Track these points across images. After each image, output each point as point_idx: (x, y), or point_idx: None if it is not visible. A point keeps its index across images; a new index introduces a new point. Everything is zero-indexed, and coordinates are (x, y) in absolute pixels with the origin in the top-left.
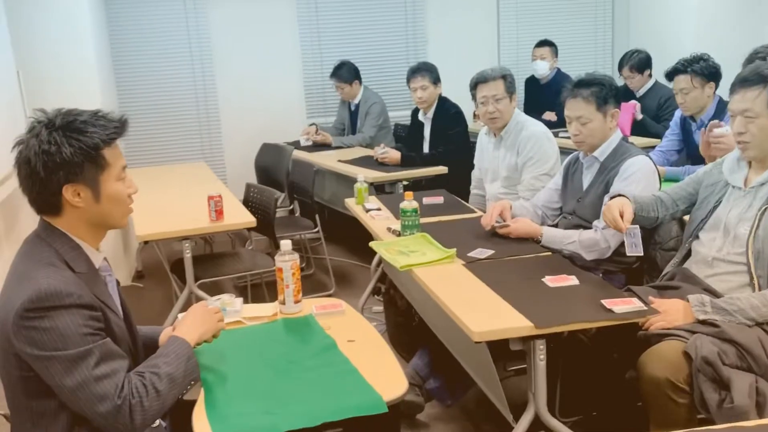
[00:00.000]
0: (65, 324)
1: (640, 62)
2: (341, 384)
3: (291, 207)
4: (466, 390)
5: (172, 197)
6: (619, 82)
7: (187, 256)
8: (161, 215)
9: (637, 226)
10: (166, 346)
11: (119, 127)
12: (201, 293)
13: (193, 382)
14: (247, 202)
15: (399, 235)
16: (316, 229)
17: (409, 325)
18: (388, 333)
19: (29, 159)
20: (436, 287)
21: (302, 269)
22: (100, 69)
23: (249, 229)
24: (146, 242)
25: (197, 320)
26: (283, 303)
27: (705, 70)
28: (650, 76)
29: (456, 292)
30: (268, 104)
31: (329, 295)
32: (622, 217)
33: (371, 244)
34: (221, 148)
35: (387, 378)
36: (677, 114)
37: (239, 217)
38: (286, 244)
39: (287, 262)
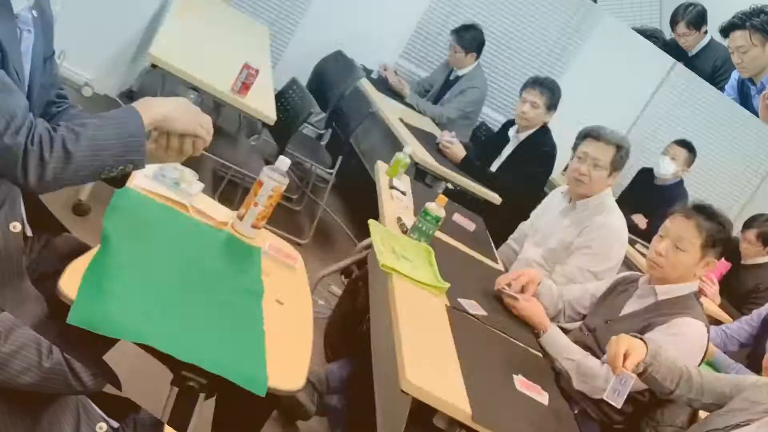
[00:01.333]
0: None
1: (698, 17)
2: (238, 340)
3: (322, 132)
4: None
5: (213, 39)
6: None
7: None
8: (188, 48)
9: (634, 376)
10: (114, 111)
11: None
12: None
13: (131, 167)
14: (280, 97)
15: (406, 232)
16: (331, 171)
17: (352, 328)
18: (328, 323)
19: None
20: (403, 309)
21: (290, 200)
22: None
23: (264, 125)
24: (154, 66)
25: (169, 101)
26: (240, 219)
27: (766, 24)
28: (706, 32)
29: (419, 327)
30: (369, 16)
31: (298, 244)
32: (625, 358)
33: (371, 222)
34: (294, 27)
35: (289, 365)
36: (734, 76)
37: (262, 104)
38: (283, 162)
39: (272, 180)
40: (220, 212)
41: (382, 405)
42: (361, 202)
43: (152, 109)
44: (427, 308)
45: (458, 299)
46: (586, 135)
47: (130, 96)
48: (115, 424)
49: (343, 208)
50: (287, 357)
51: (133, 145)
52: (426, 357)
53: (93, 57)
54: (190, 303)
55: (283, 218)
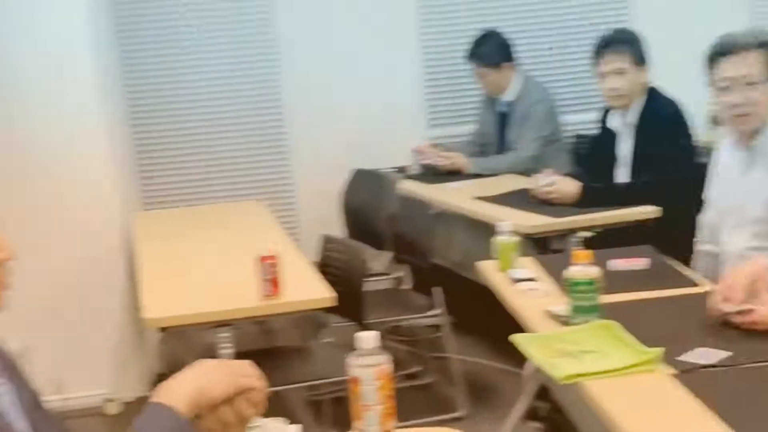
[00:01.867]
0: None
1: None
2: None
3: (399, 275)
4: None
5: (206, 257)
6: None
7: (227, 352)
8: (187, 287)
9: None
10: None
11: None
12: None
13: None
14: (324, 266)
15: (567, 323)
16: (437, 311)
17: None
18: None
19: None
20: (622, 415)
21: (416, 375)
22: (102, 75)
23: (326, 310)
24: (164, 329)
25: (189, 373)
26: None
27: None
28: None
29: (657, 424)
30: (362, 110)
31: (457, 419)
32: None
33: (514, 338)
34: (290, 178)
35: None
36: None
37: (308, 290)
38: (366, 338)
39: (368, 367)
40: None
41: None
42: (497, 324)
43: (176, 392)
44: (651, 394)
45: (679, 358)
46: (716, 54)
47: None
48: None
49: (480, 344)
50: None
51: None
52: None
53: (87, 364)
54: None
55: (422, 402)
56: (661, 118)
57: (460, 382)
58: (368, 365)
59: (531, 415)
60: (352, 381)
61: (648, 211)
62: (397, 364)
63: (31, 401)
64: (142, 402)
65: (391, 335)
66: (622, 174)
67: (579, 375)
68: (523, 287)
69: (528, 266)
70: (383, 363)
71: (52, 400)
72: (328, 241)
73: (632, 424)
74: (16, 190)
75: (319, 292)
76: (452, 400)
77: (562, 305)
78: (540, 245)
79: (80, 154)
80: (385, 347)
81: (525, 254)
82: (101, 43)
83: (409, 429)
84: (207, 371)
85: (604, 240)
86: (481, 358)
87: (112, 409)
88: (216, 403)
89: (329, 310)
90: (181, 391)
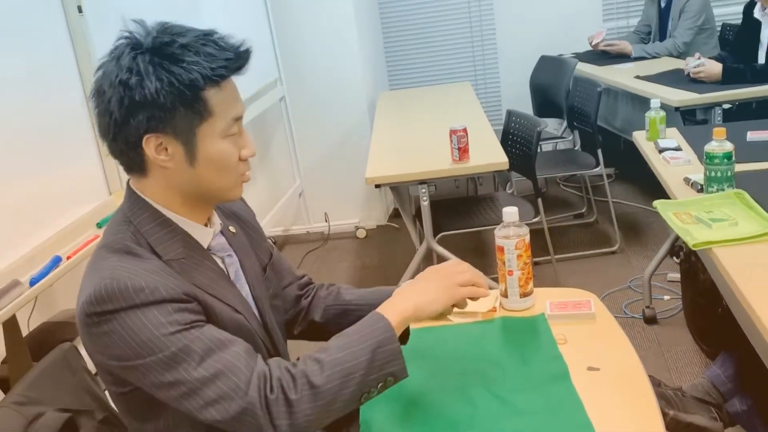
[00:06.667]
0: (139, 326)
1: None
2: None
3: (571, 138)
4: None
5: (418, 129)
6: None
7: (424, 204)
8: (399, 153)
9: None
10: (356, 325)
11: (233, 59)
12: (441, 249)
13: (391, 380)
14: (507, 135)
15: (701, 190)
16: (597, 168)
17: (712, 311)
18: (685, 313)
19: (103, 90)
20: (744, 280)
21: (583, 215)
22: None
23: (508, 169)
24: (378, 186)
25: (420, 286)
26: (504, 295)
27: None
28: None
29: None
30: (553, 7)
31: (613, 253)
32: None
33: (656, 203)
34: (495, 65)
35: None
36: None
37: (488, 156)
38: (509, 213)
39: (510, 239)
40: (480, 301)
41: None
42: (652, 177)
43: (398, 305)
44: None
45: None
46: None
47: (399, 215)
48: None
49: (636, 192)
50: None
51: (384, 358)
52: None
53: (345, 202)
54: (487, 426)
55: (586, 237)
56: None
57: (618, 222)
58: (510, 237)
59: (673, 252)
60: (497, 249)
61: None
62: (569, 206)
63: (253, 269)
64: (381, 229)
65: (566, 183)
66: (761, 56)
67: (709, 242)
68: (668, 155)
69: (673, 137)
70: (523, 235)
71: (321, 226)
72: (511, 115)
73: (752, 289)
74: (304, 79)
75: (497, 158)
76: (610, 237)
77: (699, 174)
78: (689, 116)
79: (336, 49)
80: (560, 193)
81: (672, 125)
82: None
83: (546, 289)
84: (429, 285)
85: (743, 113)
86: (636, 203)
87: (361, 234)
88: (432, 315)
89: (510, 168)
90: (400, 306)
